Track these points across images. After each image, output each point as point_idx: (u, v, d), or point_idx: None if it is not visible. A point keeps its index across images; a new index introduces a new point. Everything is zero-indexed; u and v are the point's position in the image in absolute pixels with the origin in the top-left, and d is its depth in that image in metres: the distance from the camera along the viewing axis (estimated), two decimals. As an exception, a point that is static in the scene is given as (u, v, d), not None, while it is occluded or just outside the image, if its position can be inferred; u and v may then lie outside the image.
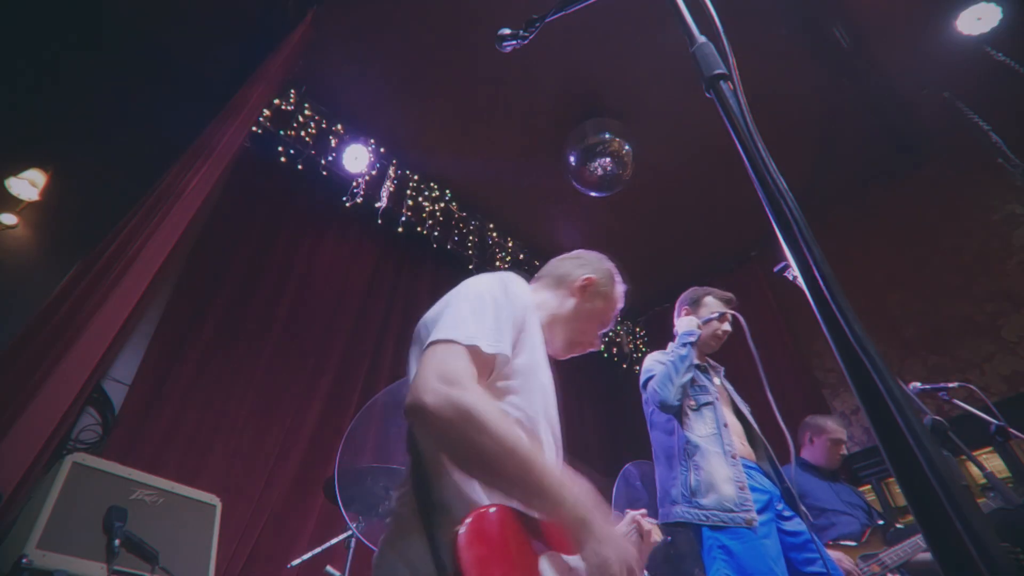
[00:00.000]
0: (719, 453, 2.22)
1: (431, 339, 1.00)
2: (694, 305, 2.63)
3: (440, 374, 0.92)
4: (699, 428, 2.29)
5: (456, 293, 1.14)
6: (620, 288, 1.50)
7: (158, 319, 3.29)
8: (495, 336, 1.02)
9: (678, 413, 2.32)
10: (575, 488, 0.93)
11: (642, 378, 2.48)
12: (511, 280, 1.18)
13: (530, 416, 1.10)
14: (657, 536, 1.78)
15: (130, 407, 2.98)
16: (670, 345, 2.52)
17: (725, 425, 2.31)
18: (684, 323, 2.49)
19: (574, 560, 0.95)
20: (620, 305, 1.50)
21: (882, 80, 4.17)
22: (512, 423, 0.99)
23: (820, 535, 2.59)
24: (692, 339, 2.39)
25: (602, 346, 1.47)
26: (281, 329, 3.78)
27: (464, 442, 0.88)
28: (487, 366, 1.01)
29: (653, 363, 2.45)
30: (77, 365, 1.91)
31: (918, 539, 2.66)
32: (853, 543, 2.67)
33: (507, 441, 0.89)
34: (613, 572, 0.88)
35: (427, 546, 0.87)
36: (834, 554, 2.43)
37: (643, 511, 1.67)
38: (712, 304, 2.59)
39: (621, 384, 5.96)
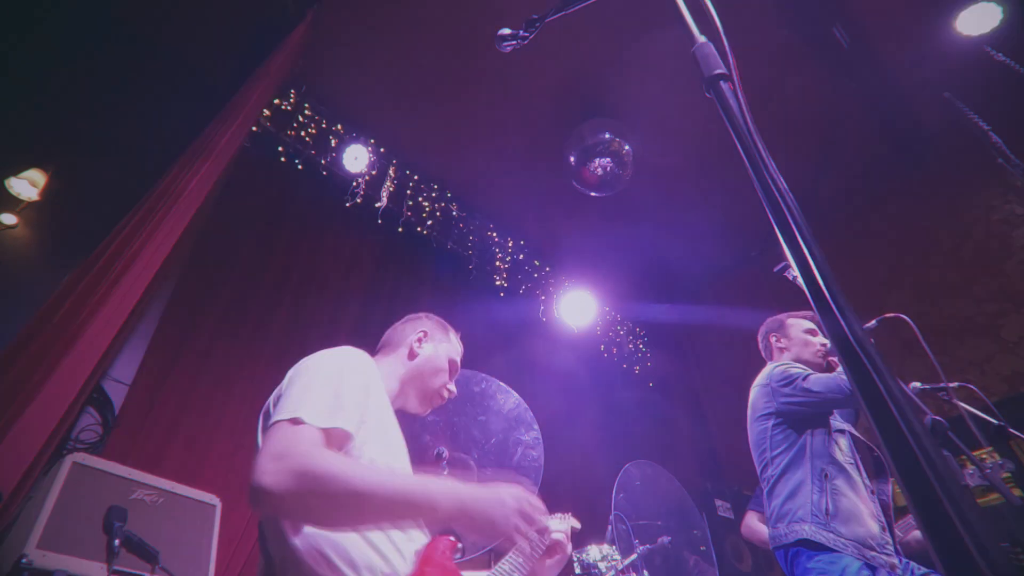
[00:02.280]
0: (862, 484, 2.11)
1: (272, 420, 1.01)
2: (780, 330, 2.56)
3: (275, 453, 0.93)
4: (838, 453, 2.16)
5: (297, 369, 1.17)
6: (454, 335, 1.62)
7: (158, 319, 3.28)
8: (333, 410, 1.04)
9: (824, 420, 2.19)
10: (438, 483, 1.01)
11: (780, 379, 2.27)
12: (351, 352, 1.25)
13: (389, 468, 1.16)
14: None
15: (130, 407, 2.98)
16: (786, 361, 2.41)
17: (860, 458, 2.20)
18: None
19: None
20: (459, 349, 1.61)
21: (882, 80, 4.17)
22: (358, 463, 1.03)
23: None
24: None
25: (455, 393, 1.57)
26: (281, 329, 3.78)
27: (316, 501, 0.91)
28: (331, 439, 1.01)
29: (798, 368, 2.29)
30: (77, 365, 1.91)
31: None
32: None
33: (358, 478, 0.93)
34: (502, 527, 1.00)
35: None
36: None
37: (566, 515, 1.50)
38: (796, 324, 2.52)
39: (621, 384, 5.97)
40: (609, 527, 3.13)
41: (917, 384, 2.35)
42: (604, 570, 2.81)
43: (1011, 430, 2.05)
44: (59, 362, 1.87)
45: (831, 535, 1.95)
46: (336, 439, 1.03)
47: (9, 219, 2.96)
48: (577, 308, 5.39)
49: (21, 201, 2.99)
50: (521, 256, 5.36)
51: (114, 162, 3.36)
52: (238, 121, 2.87)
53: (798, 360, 2.42)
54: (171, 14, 3.72)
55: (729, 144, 0.75)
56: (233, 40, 3.84)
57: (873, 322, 2.13)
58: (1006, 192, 4.21)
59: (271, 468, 0.91)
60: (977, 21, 3.78)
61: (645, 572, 2.87)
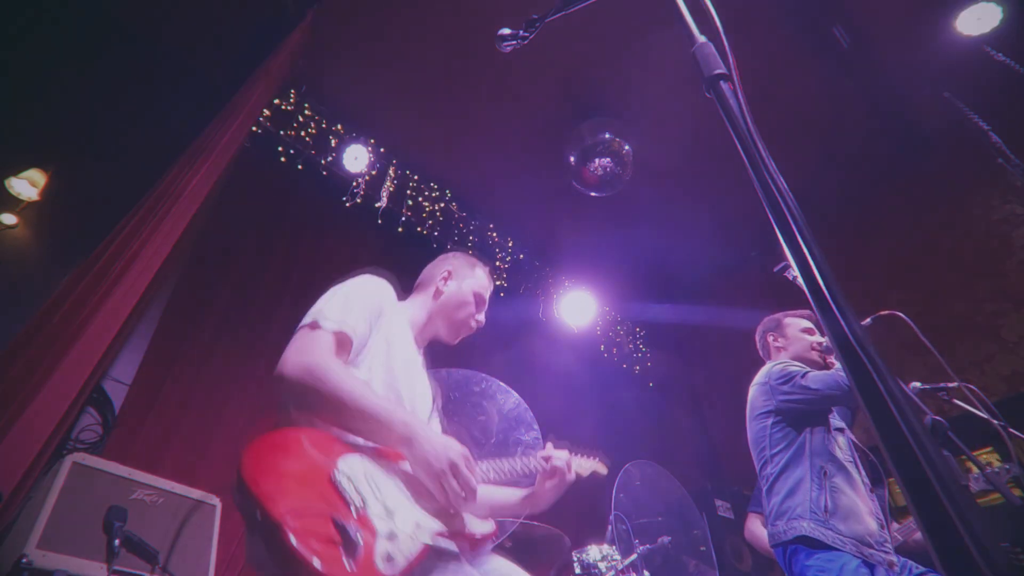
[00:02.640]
0: (860, 482, 2.11)
1: (299, 326, 1.30)
2: (777, 330, 2.56)
3: (296, 349, 1.23)
4: (837, 451, 2.16)
5: (328, 291, 1.43)
6: (479, 269, 1.77)
7: (158, 319, 3.28)
8: (341, 318, 1.30)
9: (823, 416, 2.19)
10: (402, 416, 1.21)
11: (779, 377, 2.27)
12: (370, 279, 1.49)
13: (386, 384, 1.36)
14: (581, 468, 1.80)
15: (130, 407, 2.98)
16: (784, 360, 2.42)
17: (858, 457, 2.21)
18: None
19: (405, 465, 1.23)
20: (486, 283, 1.75)
21: (882, 80, 4.17)
22: (352, 377, 1.23)
23: None
24: None
25: (483, 322, 1.72)
26: (281, 329, 3.77)
27: (311, 392, 1.17)
28: (338, 341, 1.28)
29: (796, 366, 2.30)
30: (77, 365, 1.91)
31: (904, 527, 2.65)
32: None
33: (343, 386, 1.17)
34: (435, 467, 1.16)
35: None
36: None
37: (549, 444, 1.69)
38: (793, 324, 2.52)
39: (621, 384, 5.97)
40: (609, 527, 3.13)
41: (917, 384, 2.35)
42: (604, 570, 2.81)
43: (1011, 430, 2.05)
44: (59, 362, 1.87)
45: (830, 532, 1.95)
46: (343, 342, 1.29)
47: (9, 219, 2.96)
48: (577, 308, 5.39)
49: (21, 201, 2.99)
50: (521, 256, 5.36)
51: (114, 162, 3.36)
52: (238, 121, 2.87)
53: (796, 359, 2.42)
54: (171, 14, 3.72)
55: (729, 144, 0.75)
56: (233, 40, 3.84)
57: (868, 320, 2.12)
58: (1006, 192, 4.21)
59: (291, 360, 1.20)
60: (977, 21, 3.78)
61: (645, 572, 2.87)
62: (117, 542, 1.77)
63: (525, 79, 4.12)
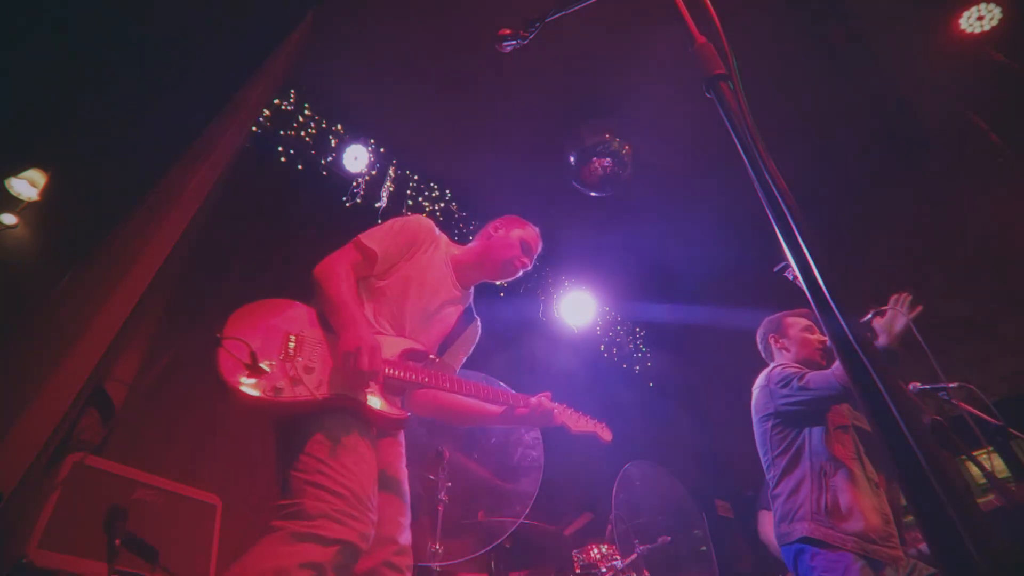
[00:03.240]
0: (863, 478, 2.10)
1: None
2: (778, 331, 2.56)
3: (331, 259, 1.64)
4: (840, 449, 2.16)
5: None
6: (531, 228, 2.08)
7: (158, 319, 3.28)
8: (372, 237, 1.71)
9: (822, 416, 2.20)
10: (352, 313, 1.50)
11: (778, 381, 2.28)
12: (415, 217, 1.85)
13: (397, 308, 1.71)
14: (575, 423, 1.96)
15: (130, 407, 2.98)
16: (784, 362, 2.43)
17: (862, 452, 2.20)
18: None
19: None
20: (534, 237, 2.05)
21: (882, 80, 4.17)
22: (345, 283, 1.58)
23: None
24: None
25: (527, 265, 2.01)
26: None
27: (317, 287, 1.59)
28: (363, 255, 1.68)
29: (793, 368, 2.31)
30: (77, 365, 1.91)
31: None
32: None
33: (333, 286, 1.56)
34: (342, 348, 1.44)
35: None
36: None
37: (547, 393, 1.88)
38: (795, 324, 2.52)
39: (621, 384, 5.97)
40: (609, 527, 3.13)
41: (917, 384, 2.35)
42: (604, 570, 2.81)
43: (1011, 430, 2.05)
44: (59, 362, 1.87)
45: (831, 532, 1.95)
46: (368, 256, 1.68)
47: (9, 219, 2.96)
48: (577, 308, 5.39)
49: (21, 201, 2.99)
50: (521, 256, 5.35)
51: (114, 162, 3.36)
52: (238, 121, 2.87)
53: (799, 360, 2.41)
54: (171, 14, 3.72)
55: (729, 144, 0.75)
56: (233, 40, 3.83)
57: (869, 315, 2.15)
58: (1006, 192, 4.21)
59: (324, 262, 1.64)
60: (977, 21, 3.78)
61: (645, 572, 2.87)
62: (117, 542, 1.77)
63: (525, 79, 4.12)
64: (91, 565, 1.76)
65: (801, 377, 2.20)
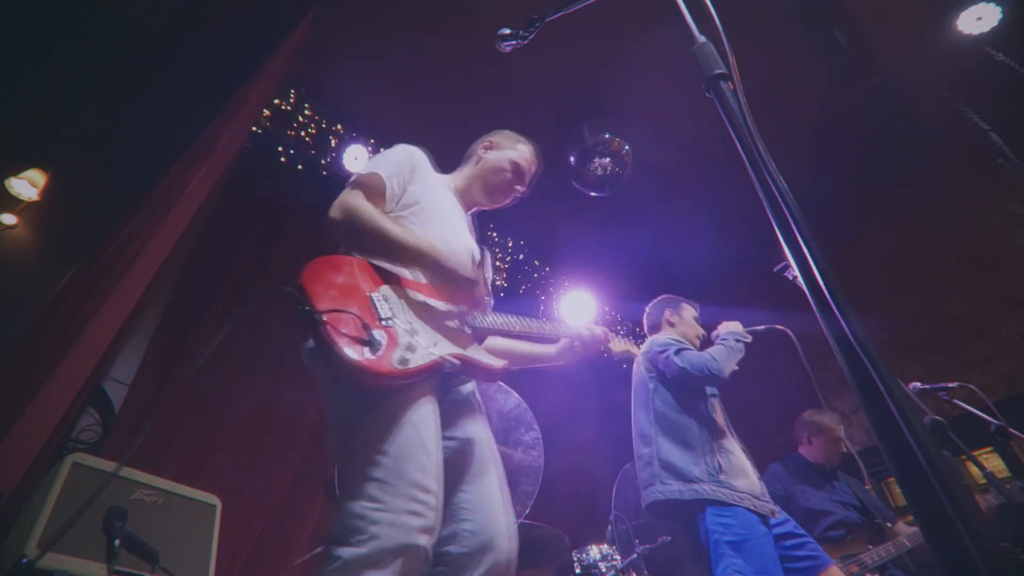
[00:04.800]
0: (737, 442, 2.32)
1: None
2: (675, 308, 2.81)
3: (341, 198, 1.45)
4: (718, 416, 2.38)
5: None
6: (523, 144, 1.89)
7: (158, 319, 3.28)
8: (375, 164, 1.53)
9: (697, 392, 2.39)
10: (418, 240, 1.41)
11: (660, 349, 2.51)
12: (402, 145, 1.65)
13: (425, 231, 1.51)
14: (616, 345, 2.03)
15: (130, 407, 2.98)
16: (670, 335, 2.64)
17: (727, 421, 2.42)
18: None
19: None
20: (528, 157, 1.86)
21: (882, 80, 4.17)
22: (380, 213, 1.44)
23: None
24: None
25: (521, 192, 1.85)
26: (281, 328, 3.77)
27: (351, 230, 1.41)
28: (369, 187, 1.47)
29: (668, 340, 2.54)
30: (77, 365, 1.91)
31: (903, 538, 2.69)
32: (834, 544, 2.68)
33: (373, 222, 1.39)
34: (453, 263, 1.43)
35: None
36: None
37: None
38: (688, 309, 2.80)
39: (621, 384, 5.96)
40: (609, 527, 3.13)
41: (917, 384, 2.35)
42: (604, 570, 2.81)
43: (1011, 430, 2.06)
44: (59, 362, 1.87)
45: (727, 491, 2.12)
46: (372, 184, 1.48)
47: (9, 219, 2.96)
48: (577, 308, 5.39)
49: (21, 201, 2.99)
50: (521, 256, 5.35)
51: (114, 162, 3.36)
52: (238, 121, 2.87)
53: (682, 337, 2.65)
54: (171, 14, 3.72)
55: (729, 144, 0.75)
56: (233, 40, 3.84)
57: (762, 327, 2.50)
58: (1006, 192, 4.21)
59: (333, 208, 1.43)
60: (977, 21, 3.78)
61: (645, 572, 2.87)
62: (117, 542, 1.77)
63: (525, 79, 4.12)
64: (91, 565, 1.76)
65: (678, 351, 2.43)
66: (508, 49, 1.37)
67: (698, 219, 5.20)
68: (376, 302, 1.27)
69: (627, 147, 4.29)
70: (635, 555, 2.86)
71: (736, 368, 2.36)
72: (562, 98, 4.28)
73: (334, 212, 1.42)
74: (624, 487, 3.25)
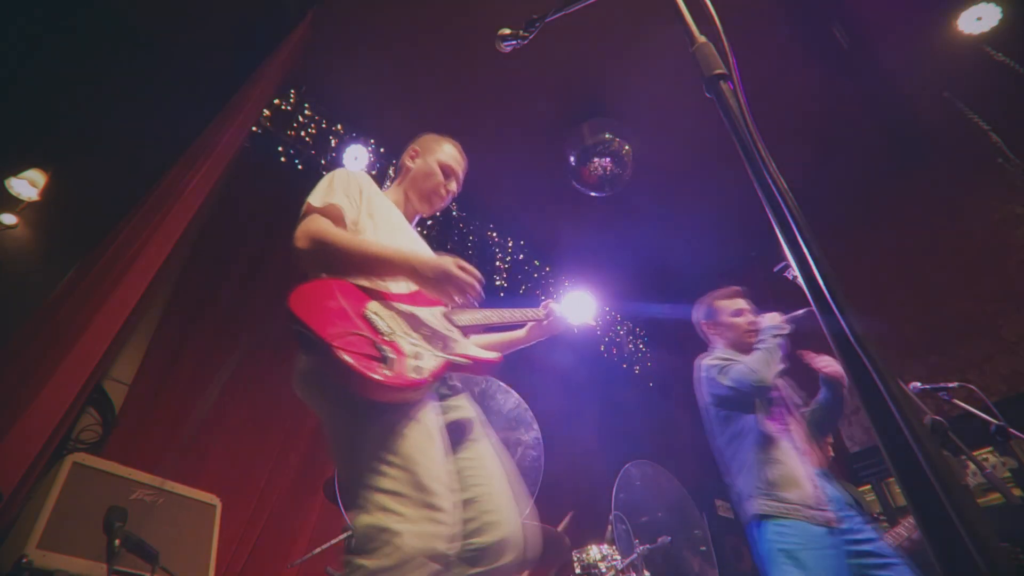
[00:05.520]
0: (792, 449, 2.21)
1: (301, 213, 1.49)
2: (709, 318, 2.64)
3: (300, 230, 1.41)
4: (771, 424, 2.28)
5: None
6: (446, 144, 1.91)
7: (158, 319, 3.28)
8: (324, 197, 1.49)
9: (751, 405, 2.30)
10: (399, 251, 1.42)
11: (705, 374, 2.42)
12: (342, 170, 1.65)
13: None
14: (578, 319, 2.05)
15: (130, 407, 2.98)
16: (716, 351, 2.52)
17: (791, 423, 2.32)
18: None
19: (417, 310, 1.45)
20: (453, 154, 1.89)
21: (882, 80, 4.17)
22: (347, 233, 1.44)
23: None
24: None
25: (455, 191, 1.90)
26: (281, 328, 3.77)
27: (323, 254, 1.38)
28: (329, 213, 1.47)
29: (716, 360, 2.42)
30: (77, 365, 1.91)
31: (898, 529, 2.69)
32: None
33: (348, 243, 1.39)
34: (440, 271, 1.38)
35: None
36: None
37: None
38: (724, 309, 2.60)
39: (621, 384, 5.96)
40: (609, 527, 3.13)
41: (917, 384, 2.35)
42: (604, 570, 2.81)
43: (1011, 430, 2.05)
44: (59, 362, 1.87)
45: (778, 504, 2.06)
46: (333, 213, 1.47)
47: (9, 219, 2.96)
48: (577, 308, 5.38)
49: (21, 201, 2.99)
50: (521, 256, 5.35)
51: (114, 162, 3.36)
52: (238, 121, 2.87)
53: (731, 345, 2.51)
54: (171, 14, 3.72)
55: (729, 144, 0.75)
56: (233, 40, 3.84)
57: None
58: (1006, 192, 4.21)
59: (299, 238, 1.39)
60: (977, 21, 3.78)
61: (645, 572, 2.87)
62: (117, 542, 1.77)
63: (525, 79, 4.12)
64: (91, 565, 1.76)
65: (721, 370, 2.33)
66: (508, 49, 1.37)
67: (698, 219, 5.19)
68: (372, 319, 1.30)
69: (627, 147, 4.29)
70: (635, 555, 2.86)
71: (782, 366, 2.26)
72: (562, 98, 4.28)
73: (301, 242, 1.38)
74: (624, 487, 3.25)
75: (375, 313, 1.32)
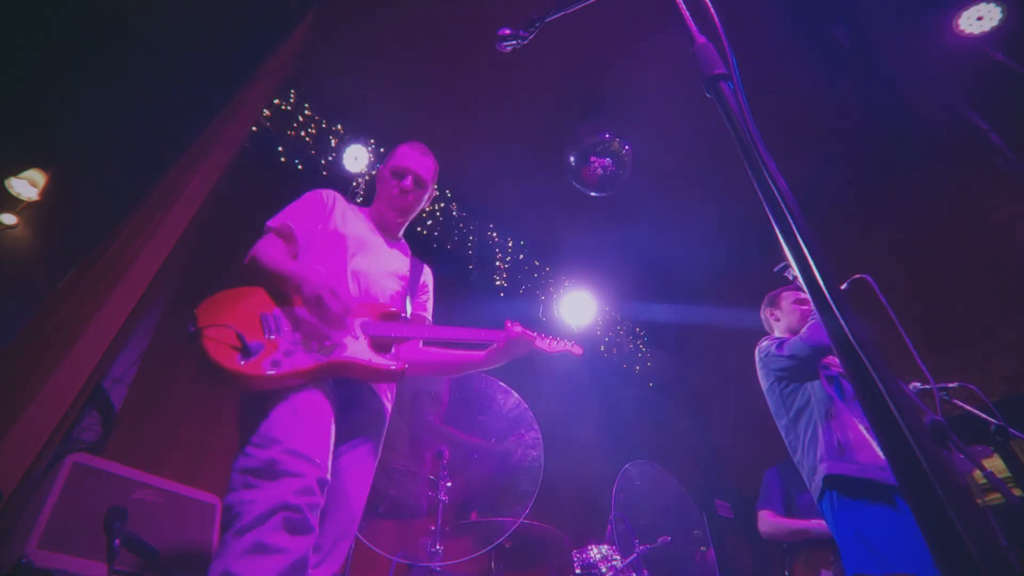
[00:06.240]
0: (855, 416, 2.25)
1: None
2: (773, 303, 2.75)
3: (252, 249, 1.66)
4: (837, 393, 2.35)
5: None
6: (399, 148, 1.99)
7: (158, 319, 3.28)
8: (282, 219, 1.76)
9: (812, 373, 2.35)
10: (296, 270, 1.56)
11: (764, 353, 2.50)
12: (317, 190, 1.89)
13: (339, 272, 1.71)
14: (549, 346, 2.02)
15: (130, 407, 2.98)
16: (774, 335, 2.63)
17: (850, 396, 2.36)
18: None
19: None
20: (400, 150, 1.96)
21: (882, 80, 4.17)
22: (275, 253, 1.64)
23: None
24: None
25: (411, 186, 1.95)
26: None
27: (256, 271, 1.60)
28: (280, 235, 1.73)
29: (766, 342, 2.53)
30: (77, 365, 1.91)
31: None
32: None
33: (271, 263, 1.60)
34: (309, 296, 1.49)
35: None
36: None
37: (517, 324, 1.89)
38: (787, 297, 2.71)
39: (621, 384, 5.96)
40: (609, 527, 3.13)
41: (917, 384, 2.35)
42: (604, 570, 2.81)
43: (1011, 430, 2.05)
44: (59, 362, 1.87)
45: (850, 465, 2.07)
46: (285, 232, 1.73)
47: (9, 219, 2.96)
48: (577, 308, 5.39)
49: (21, 201, 2.99)
50: (521, 256, 5.35)
51: (114, 162, 3.36)
52: (238, 121, 2.87)
53: (789, 328, 2.61)
54: (171, 14, 3.72)
55: (729, 144, 0.75)
56: (233, 40, 3.83)
57: (844, 285, 2.28)
58: (1006, 192, 4.21)
59: (248, 255, 1.64)
60: (977, 21, 3.78)
61: (645, 572, 2.87)
62: (117, 542, 1.77)
63: (525, 79, 4.12)
64: (91, 565, 1.76)
65: (779, 345, 2.41)
66: (508, 49, 1.37)
67: (698, 219, 5.19)
68: (265, 320, 1.47)
69: (627, 147, 4.29)
70: (635, 555, 2.86)
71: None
72: (562, 98, 4.28)
73: (246, 260, 1.63)
74: (624, 487, 3.25)
75: (273, 316, 1.49)
